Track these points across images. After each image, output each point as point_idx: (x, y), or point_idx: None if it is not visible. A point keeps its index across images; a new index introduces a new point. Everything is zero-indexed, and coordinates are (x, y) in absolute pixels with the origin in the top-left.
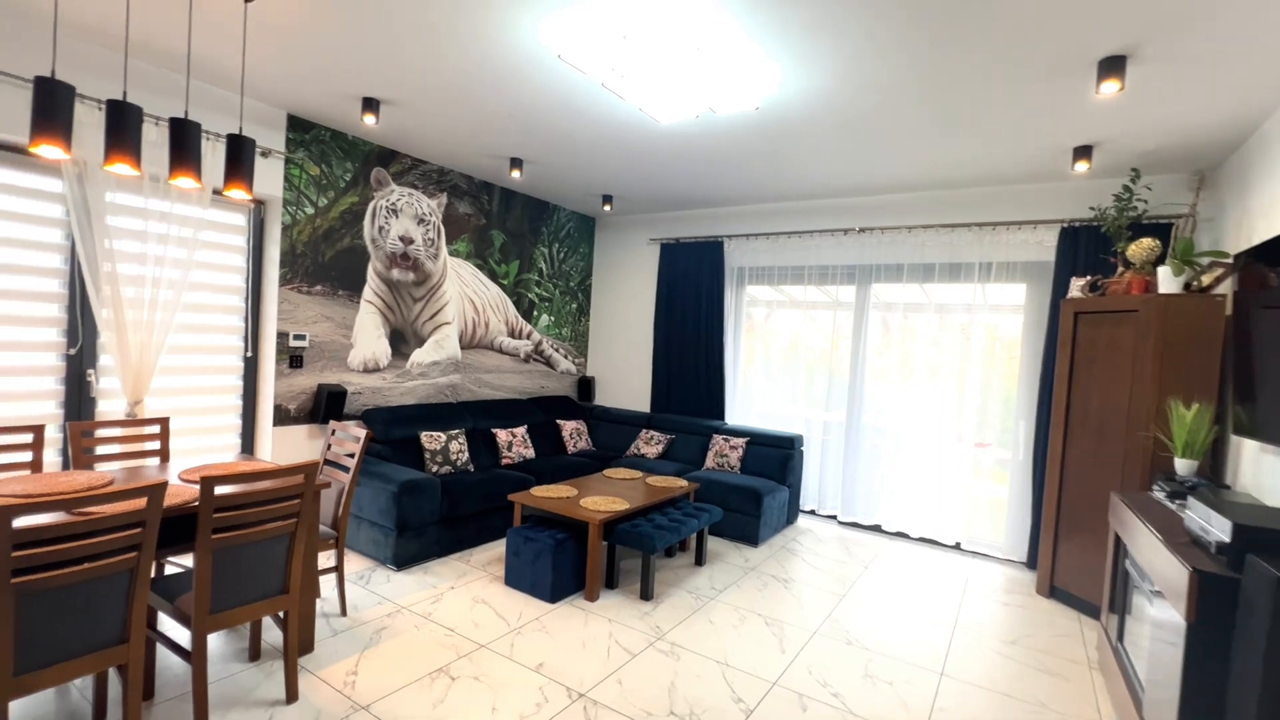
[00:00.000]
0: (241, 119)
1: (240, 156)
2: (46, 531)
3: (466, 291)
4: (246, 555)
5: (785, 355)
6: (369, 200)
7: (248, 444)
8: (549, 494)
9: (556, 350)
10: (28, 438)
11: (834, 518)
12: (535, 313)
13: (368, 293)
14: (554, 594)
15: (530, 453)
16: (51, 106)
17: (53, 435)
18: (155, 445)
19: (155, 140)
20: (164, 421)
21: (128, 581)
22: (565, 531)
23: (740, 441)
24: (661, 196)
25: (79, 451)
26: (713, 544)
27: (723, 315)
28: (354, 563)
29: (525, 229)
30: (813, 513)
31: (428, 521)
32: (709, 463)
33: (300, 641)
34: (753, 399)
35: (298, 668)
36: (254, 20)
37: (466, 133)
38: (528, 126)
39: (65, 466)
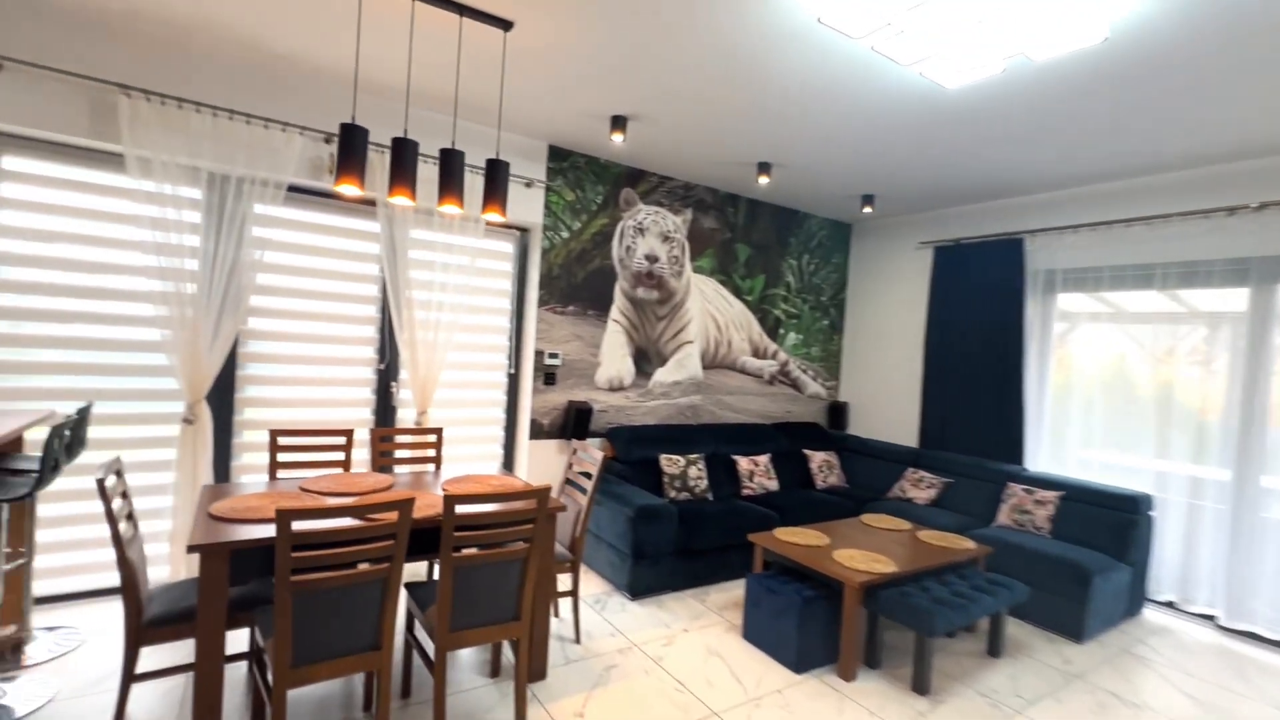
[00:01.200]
0: (498, 146)
1: (495, 180)
2: (311, 537)
3: (709, 309)
4: (482, 576)
5: (1116, 384)
6: (616, 221)
7: (508, 455)
8: (796, 539)
9: (804, 372)
10: (341, 440)
11: (1210, 618)
12: (781, 331)
13: (614, 312)
14: (799, 662)
15: (773, 484)
16: (351, 147)
17: (363, 437)
18: (433, 453)
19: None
20: (438, 431)
21: (380, 591)
22: (815, 588)
23: (1051, 495)
24: (938, 189)
25: (377, 454)
26: (1013, 629)
27: (1021, 331)
28: (591, 583)
29: (772, 240)
30: (1170, 605)
31: (664, 551)
32: (1002, 518)
33: (533, 668)
34: (1065, 441)
35: (528, 696)
36: (512, 46)
37: (712, 140)
38: (778, 121)
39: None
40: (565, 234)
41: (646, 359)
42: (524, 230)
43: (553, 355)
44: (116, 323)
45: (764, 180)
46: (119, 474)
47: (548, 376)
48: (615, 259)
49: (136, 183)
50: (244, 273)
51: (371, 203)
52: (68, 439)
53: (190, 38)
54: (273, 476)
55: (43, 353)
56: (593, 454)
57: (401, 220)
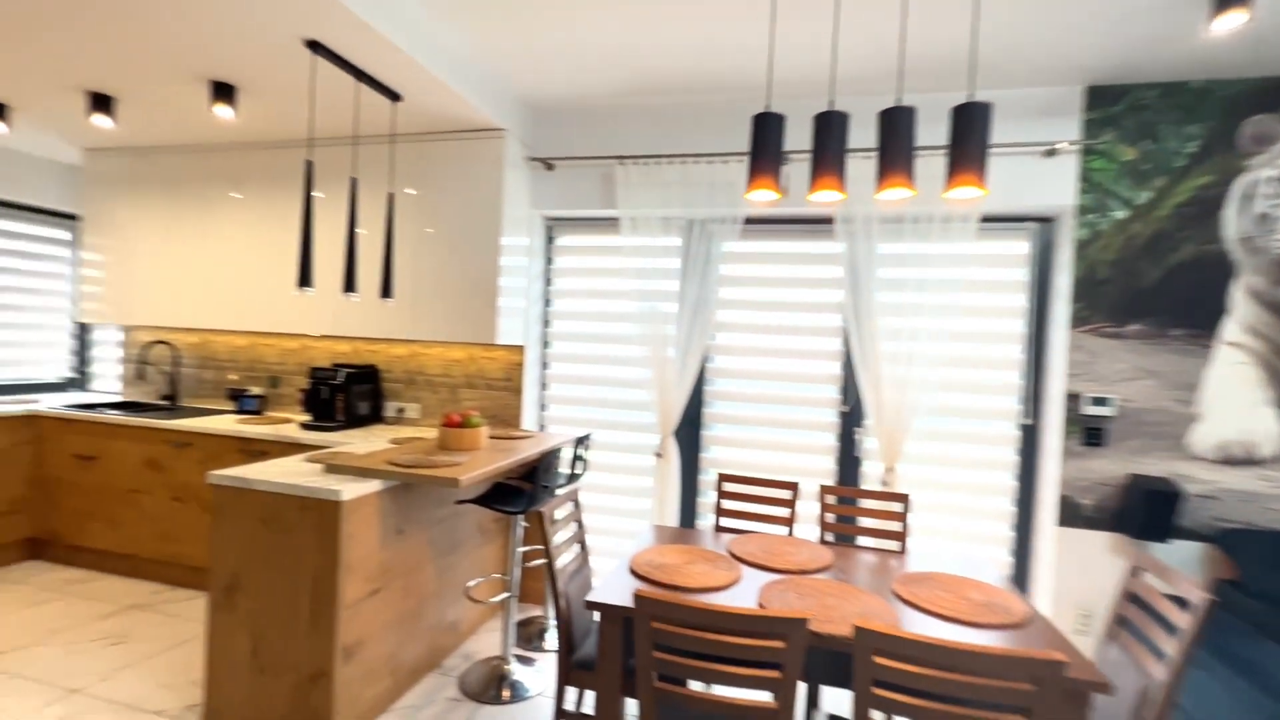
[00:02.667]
0: (973, 85)
1: (970, 133)
2: (676, 636)
3: None
4: None
5: None
6: (1234, 175)
7: (1020, 545)
8: None
9: None
10: (787, 494)
11: None
12: None
13: (1232, 330)
14: None
15: None
16: (763, 142)
17: (812, 490)
18: (897, 525)
19: (923, 174)
20: (903, 498)
21: None
22: None
23: None
24: None
25: (825, 516)
26: None
27: None
28: None
29: None
30: None
31: None
32: None
33: None
34: None
35: None
36: None
37: None
38: None
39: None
40: (1121, 213)
41: None
42: (1044, 220)
43: (1099, 401)
44: (614, 363)
45: None
46: (575, 503)
47: (1090, 433)
48: (1234, 237)
49: (628, 239)
50: (708, 310)
51: (829, 220)
52: (575, 461)
53: (661, 100)
54: (718, 526)
55: (568, 387)
56: (1182, 578)
57: (865, 234)
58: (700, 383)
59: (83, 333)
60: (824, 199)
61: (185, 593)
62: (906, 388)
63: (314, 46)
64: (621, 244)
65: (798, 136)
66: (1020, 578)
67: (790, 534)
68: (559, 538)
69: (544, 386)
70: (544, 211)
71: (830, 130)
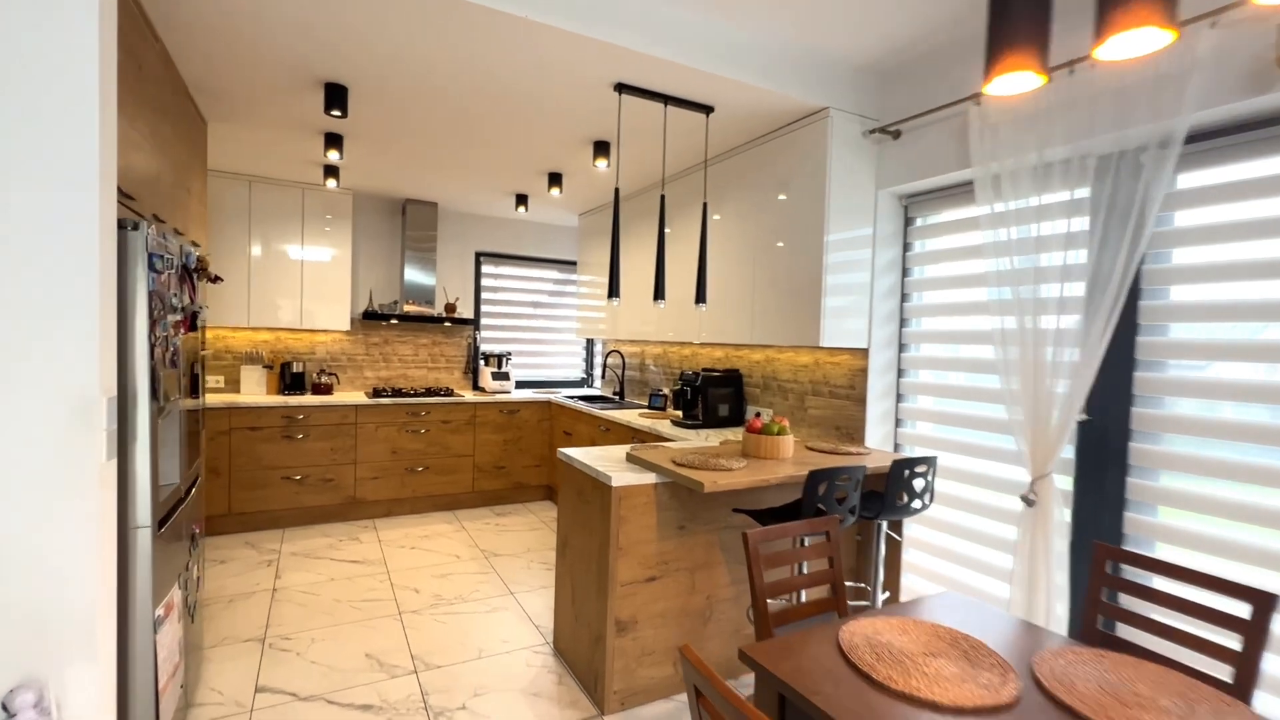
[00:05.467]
0: None
1: None
2: None
3: None
4: None
5: None
6: None
7: None
8: None
9: None
10: (1244, 610)
11: None
12: None
13: None
14: None
15: None
16: None
17: None
18: None
19: None
20: None
21: None
22: None
23: None
24: None
25: None
26: None
27: None
28: None
29: None
30: None
31: None
32: None
33: None
34: None
35: None
36: None
37: None
38: None
39: None
40: None
41: None
42: None
43: None
44: (980, 370)
45: None
46: (800, 542)
47: None
48: None
49: (988, 207)
50: (1119, 285)
51: None
52: (919, 485)
53: None
54: (1087, 628)
55: (933, 400)
56: None
57: None
58: (1127, 398)
59: (590, 345)
60: None
61: None
62: None
63: (621, 88)
64: (987, 214)
65: None
66: None
67: (1232, 687)
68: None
69: (899, 397)
70: (895, 189)
71: None
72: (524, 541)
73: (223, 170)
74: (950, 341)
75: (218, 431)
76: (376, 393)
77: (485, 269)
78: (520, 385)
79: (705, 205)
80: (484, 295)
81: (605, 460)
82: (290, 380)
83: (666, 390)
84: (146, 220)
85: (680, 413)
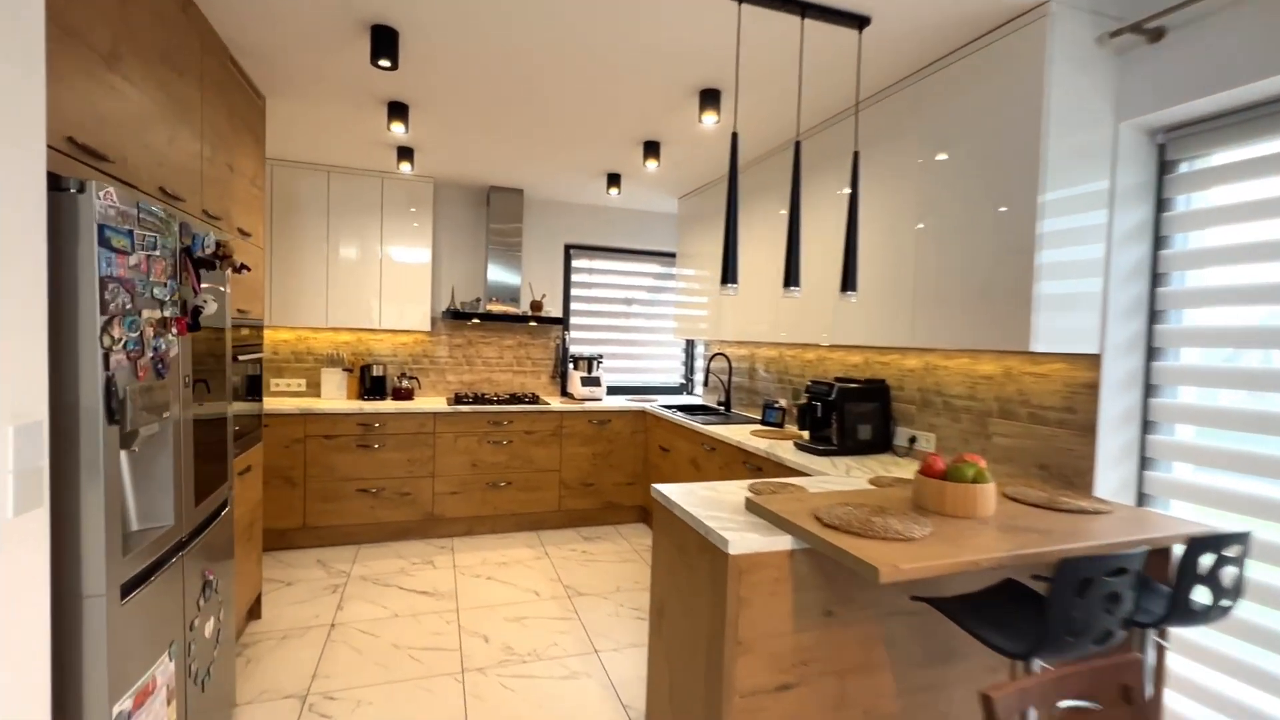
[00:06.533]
0: None
1: None
2: None
3: None
4: None
5: None
6: None
7: None
8: None
9: None
10: None
11: None
12: None
13: None
14: None
15: None
16: None
17: None
18: None
19: None
20: None
21: None
22: None
23: None
24: None
25: None
26: None
27: None
28: None
29: None
30: None
31: None
32: None
33: None
34: None
35: None
36: None
37: None
38: None
39: None
40: None
41: None
42: None
43: None
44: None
45: None
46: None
47: None
48: None
49: None
50: None
51: None
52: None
53: None
54: None
55: (1209, 435)
56: None
57: None
58: None
59: (689, 346)
60: None
61: None
62: None
63: None
64: None
65: None
66: None
67: None
68: None
69: (1146, 427)
70: (1147, 119)
71: None
72: (613, 577)
73: (299, 160)
74: (1236, 345)
75: (292, 439)
76: (458, 399)
77: (575, 263)
78: (612, 391)
79: (856, 155)
80: (573, 292)
81: (716, 507)
82: (370, 384)
83: (784, 402)
84: (114, 184)
85: (805, 432)
